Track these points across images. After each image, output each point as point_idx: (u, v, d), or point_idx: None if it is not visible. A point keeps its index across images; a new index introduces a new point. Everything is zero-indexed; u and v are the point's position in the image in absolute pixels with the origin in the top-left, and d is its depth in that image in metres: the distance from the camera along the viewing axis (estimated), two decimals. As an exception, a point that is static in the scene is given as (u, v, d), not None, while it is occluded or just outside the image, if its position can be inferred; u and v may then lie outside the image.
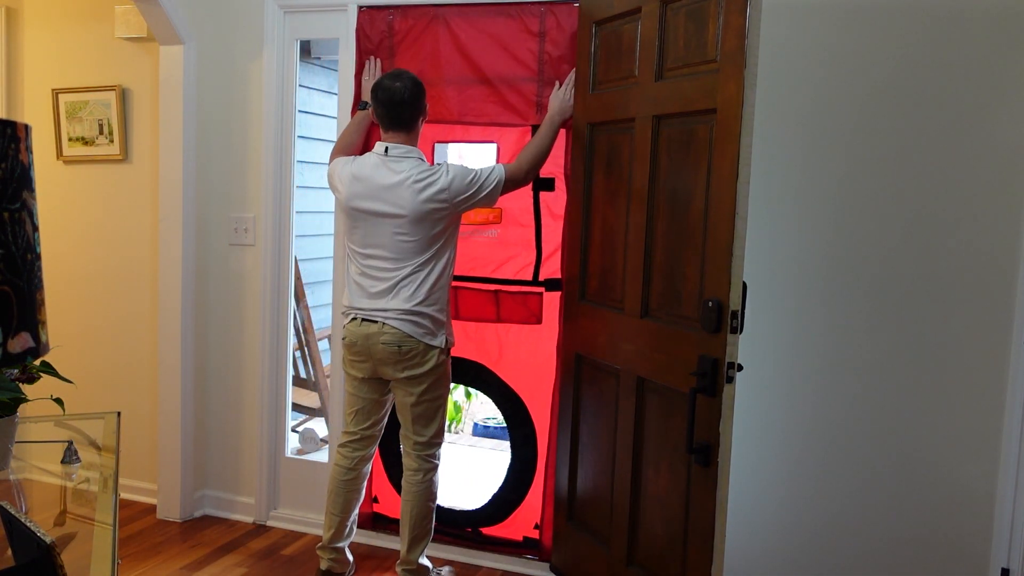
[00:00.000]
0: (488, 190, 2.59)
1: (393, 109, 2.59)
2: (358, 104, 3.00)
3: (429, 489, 2.72)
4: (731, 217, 2.02)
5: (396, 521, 3.22)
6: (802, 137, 2.67)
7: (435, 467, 2.74)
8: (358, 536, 3.28)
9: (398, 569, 2.79)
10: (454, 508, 3.16)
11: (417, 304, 2.55)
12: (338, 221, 3.12)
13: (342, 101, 3.16)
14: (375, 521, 3.26)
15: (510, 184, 2.63)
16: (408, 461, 2.74)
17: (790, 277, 2.71)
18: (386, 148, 2.60)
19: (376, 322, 2.58)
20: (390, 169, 2.58)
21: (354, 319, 2.64)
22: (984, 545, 2.53)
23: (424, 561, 2.79)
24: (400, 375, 2.60)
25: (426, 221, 2.54)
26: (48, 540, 1.14)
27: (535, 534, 3.05)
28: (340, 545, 2.86)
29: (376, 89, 2.63)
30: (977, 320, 2.51)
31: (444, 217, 2.57)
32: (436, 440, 2.73)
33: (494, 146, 3.03)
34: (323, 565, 2.86)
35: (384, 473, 3.24)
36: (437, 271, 2.59)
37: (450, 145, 3.33)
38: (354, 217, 2.63)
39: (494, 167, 2.62)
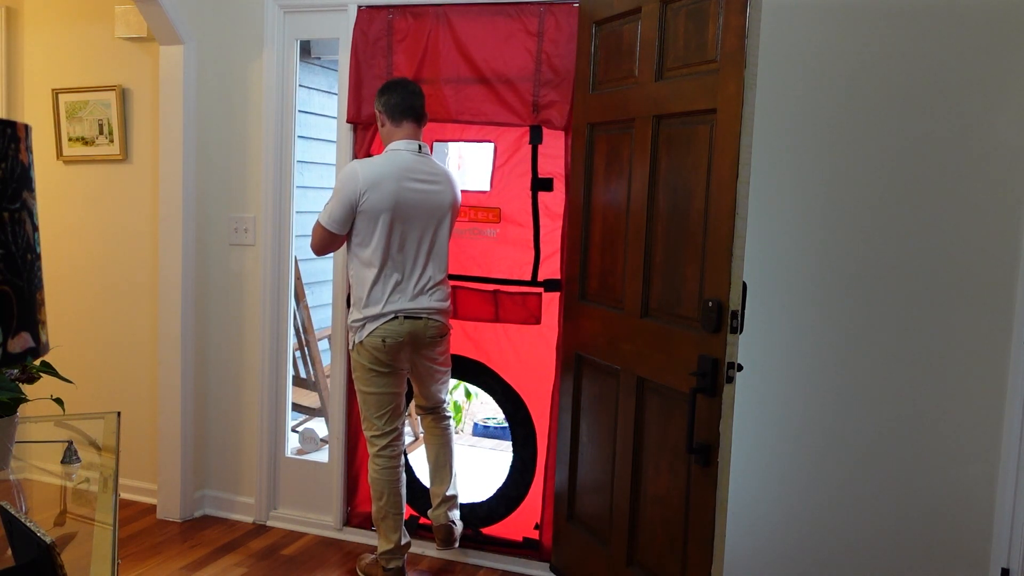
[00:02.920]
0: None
1: (418, 98, 2.75)
2: None
3: (451, 434, 3.04)
4: (731, 217, 2.02)
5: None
6: (801, 137, 2.67)
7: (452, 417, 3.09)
8: (360, 536, 3.29)
9: (432, 515, 2.98)
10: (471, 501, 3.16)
11: (447, 301, 2.84)
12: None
13: (342, 101, 3.16)
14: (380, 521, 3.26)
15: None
16: (434, 421, 3.00)
17: (790, 277, 2.71)
18: (419, 146, 2.74)
19: (420, 319, 2.75)
20: (431, 168, 2.75)
21: (394, 318, 2.71)
22: (984, 545, 2.53)
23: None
24: (434, 353, 2.85)
25: (450, 221, 2.81)
26: (48, 540, 1.14)
27: (535, 534, 3.05)
28: (409, 540, 2.93)
29: (393, 83, 2.78)
30: (977, 320, 2.51)
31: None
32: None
33: (491, 145, 3.04)
34: (394, 564, 2.85)
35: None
36: (448, 268, 2.85)
37: (449, 144, 3.34)
38: (394, 214, 2.65)
39: None
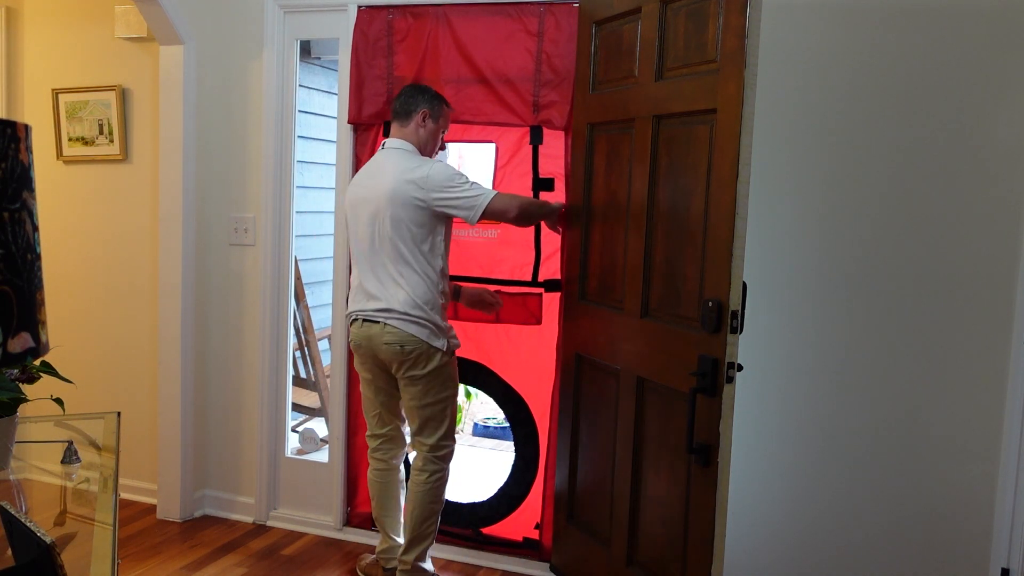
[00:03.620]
0: (467, 196, 2.51)
1: (395, 101, 2.70)
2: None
3: (433, 491, 2.67)
4: (731, 217, 2.02)
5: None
6: (801, 137, 2.67)
7: (442, 470, 2.68)
8: (360, 536, 3.29)
9: (396, 565, 2.77)
10: (459, 501, 3.16)
11: (415, 306, 2.53)
12: (341, 230, 3.14)
13: (342, 101, 3.16)
14: (376, 521, 3.27)
15: (494, 212, 2.54)
16: (415, 461, 2.71)
17: (789, 277, 2.71)
18: (383, 144, 2.70)
19: (378, 323, 2.57)
20: (380, 161, 2.66)
21: (355, 320, 2.64)
22: (984, 545, 2.53)
23: (425, 565, 2.73)
24: (403, 375, 2.59)
25: (406, 212, 2.51)
26: (48, 540, 1.14)
27: (535, 534, 3.05)
28: (401, 542, 2.79)
29: None
30: (977, 320, 2.51)
31: (423, 211, 2.52)
32: (444, 443, 2.66)
33: (492, 146, 3.03)
34: (393, 564, 2.80)
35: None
36: (429, 272, 2.56)
37: (450, 145, 3.34)
38: (350, 216, 2.69)
39: (486, 187, 2.58)
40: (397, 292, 2.54)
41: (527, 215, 2.65)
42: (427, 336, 2.55)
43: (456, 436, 2.75)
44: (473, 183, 2.55)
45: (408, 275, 2.54)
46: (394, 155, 2.62)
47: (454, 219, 2.62)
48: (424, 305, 2.54)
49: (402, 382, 2.62)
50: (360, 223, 2.61)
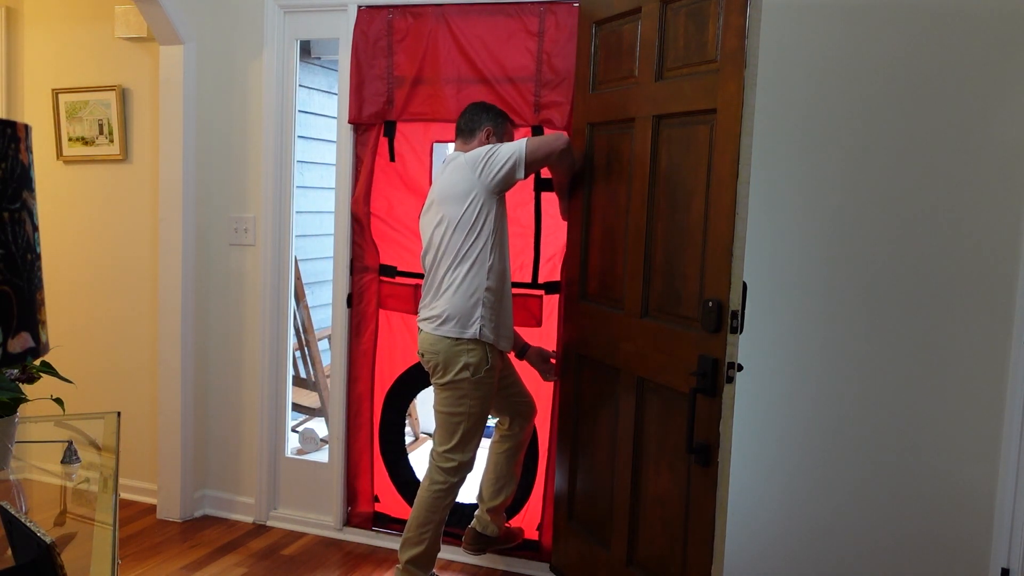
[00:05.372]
0: (505, 152, 2.46)
1: (458, 119, 2.70)
2: None
3: (432, 501, 2.61)
4: (731, 217, 2.02)
5: (397, 520, 3.23)
6: (802, 137, 2.67)
7: (444, 483, 2.60)
8: (361, 536, 3.29)
9: (478, 522, 2.91)
10: (459, 501, 3.15)
11: (442, 313, 2.53)
12: (342, 229, 3.26)
13: (342, 101, 3.16)
14: (376, 520, 3.27)
15: (539, 153, 2.47)
16: (428, 465, 2.68)
17: (790, 277, 2.71)
18: (445, 157, 2.70)
19: (421, 331, 2.63)
20: (439, 175, 2.66)
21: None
22: (984, 545, 2.53)
23: (413, 570, 2.64)
24: (435, 383, 2.63)
25: (455, 206, 2.49)
26: (48, 540, 1.14)
27: (535, 535, 3.05)
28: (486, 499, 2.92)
29: None
30: (977, 320, 2.51)
31: (470, 198, 2.47)
32: (449, 455, 2.59)
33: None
34: (473, 521, 2.93)
35: (385, 472, 3.24)
36: (476, 271, 2.50)
37: (450, 145, 3.33)
38: (421, 232, 2.71)
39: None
40: (434, 300, 2.58)
41: (568, 149, 2.55)
42: (446, 346, 2.52)
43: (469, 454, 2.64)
44: (504, 143, 2.54)
45: (450, 279, 2.52)
46: (449, 167, 2.62)
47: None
48: (452, 312, 2.51)
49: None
50: (424, 236, 2.64)
